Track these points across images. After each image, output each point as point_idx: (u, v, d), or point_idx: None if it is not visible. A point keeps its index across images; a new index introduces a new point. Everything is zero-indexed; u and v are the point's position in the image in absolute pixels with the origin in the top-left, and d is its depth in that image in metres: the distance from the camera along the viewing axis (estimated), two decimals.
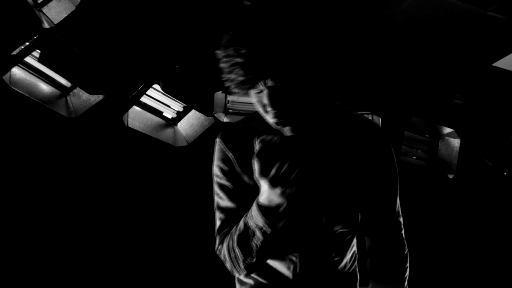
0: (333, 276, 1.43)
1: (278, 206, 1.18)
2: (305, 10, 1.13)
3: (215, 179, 1.38)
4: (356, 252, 1.52)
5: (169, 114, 3.99)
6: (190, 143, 3.84)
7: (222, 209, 1.37)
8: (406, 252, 1.50)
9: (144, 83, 3.57)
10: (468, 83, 3.69)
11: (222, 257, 1.34)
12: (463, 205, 4.13)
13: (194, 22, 3.29)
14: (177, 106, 3.97)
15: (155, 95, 3.89)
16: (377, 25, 3.22)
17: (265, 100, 1.16)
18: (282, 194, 1.15)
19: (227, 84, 1.15)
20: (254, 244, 1.23)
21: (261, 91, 1.15)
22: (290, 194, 1.15)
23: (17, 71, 3.42)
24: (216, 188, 1.38)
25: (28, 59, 3.48)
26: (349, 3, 3.11)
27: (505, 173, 4.00)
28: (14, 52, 3.20)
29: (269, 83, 1.12)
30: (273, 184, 1.13)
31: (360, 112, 1.66)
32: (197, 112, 3.86)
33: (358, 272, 1.53)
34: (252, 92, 1.17)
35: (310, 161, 1.25)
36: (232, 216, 1.33)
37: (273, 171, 1.12)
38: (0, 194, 3.41)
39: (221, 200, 1.37)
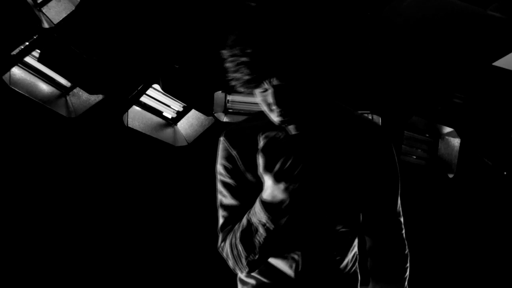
0: (335, 275, 1.44)
1: (281, 202, 1.19)
2: (308, 10, 1.15)
3: (219, 177, 1.39)
4: (357, 253, 1.52)
5: (169, 113, 3.99)
6: (190, 143, 3.84)
7: (225, 207, 1.38)
8: (406, 252, 1.50)
9: (144, 83, 3.57)
10: (468, 83, 3.69)
11: (224, 255, 1.35)
12: (463, 204, 4.13)
13: (194, 21, 3.29)
14: (177, 105, 3.97)
15: (155, 95, 3.89)
16: (376, 24, 3.22)
17: (270, 99, 1.17)
18: (286, 189, 1.16)
19: (233, 83, 1.17)
20: (257, 241, 1.24)
21: (266, 90, 1.17)
22: (294, 190, 1.17)
23: (16, 71, 3.42)
24: (220, 186, 1.39)
25: (27, 59, 3.47)
26: (349, 3, 3.11)
27: (505, 173, 4.00)
28: (14, 52, 3.20)
29: (274, 82, 1.14)
30: (277, 179, 1.14)
31: (360, 112, 1.67)
32: (197, 112, 3.86)
33: (359, 273, 1.53)
34: (257, 91, 1.19)
35: (314, 158, 1.26)
36: (235, 214, 1.34)
37: (277, 166, 1.13)
38: (0, 194, 3.41)
39: (224, 198, 1.38)
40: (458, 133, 3.99)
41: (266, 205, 1.20)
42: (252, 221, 1.24)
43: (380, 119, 3.84)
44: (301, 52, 1.12)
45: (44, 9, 3.25)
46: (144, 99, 3.83)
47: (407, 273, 1.52)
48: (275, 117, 1.21)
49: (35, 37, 3.15)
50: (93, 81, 3.32)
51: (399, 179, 1.44)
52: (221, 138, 1.40)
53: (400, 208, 1.48)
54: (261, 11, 1.14)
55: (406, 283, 1.53)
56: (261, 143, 1.15)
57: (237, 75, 1.14)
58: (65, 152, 3.55)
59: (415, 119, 3.96)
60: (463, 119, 3.90)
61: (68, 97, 3.63)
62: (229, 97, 3.90)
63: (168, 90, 3.57)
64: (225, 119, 3.84)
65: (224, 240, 1.35)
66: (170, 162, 3.79)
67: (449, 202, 4.13)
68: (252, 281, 1.47)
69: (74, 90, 3.63)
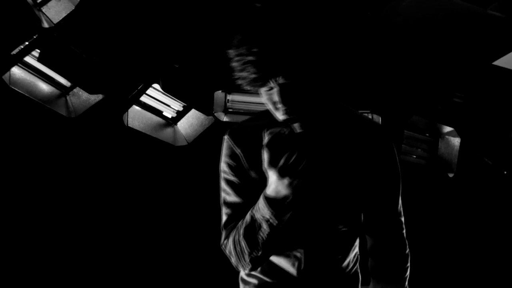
0: (337, 275, 1.45)
1: (285, 197, 1.20)
2: (312, 10, 1.18)
3: (222, 175, 1.40)
4: (358, 253, 1.53)
5: (169, 113, 3.99)
6: (190, 143, 3.84)
7: (228, 204, 1.38)
8: (407, 251, 1.51)
9: (144, 82, 3.57)
10: (468, 82, 3.69)
11: (227, 252, 1.35)
12: (463, 204, 4.13)
13: (194, 21, 3.29)
14: (177, 105, 3.97)
15: (155, 95, 3.89)
16: (376, 23, 3.22)
17: (276, 97, 1.19)
18: (290, 185, 1.17)
19: (239, 82, 1.19)
20: (260, 237, 1.25)
21: (272, 89, 1.19)
22: (297, 186, 1.18)
23: (16, 71, 3.42)
24: (223, 184, 1.40)
25: (27, 59, 3.47)
26: (349, 2, 3.11)
27: (505, 172, 4.00)
28: (14, 52, 3.19)
29: (280, 80, 1.15)
30: (281, 174, 1.16)
31: (360, 111, 1.68)
32: (197, 112, 3.86)
33: (359, 273, 1.54)
34: (262, 90, 1.21)
35: (317, 155, 1.27)
36: (239, 211, 1.35)
37: (281, 161, 1.15)
38: (0, 194, 3.41)
39: (228, 195, 1.38)
40: (458, 132, 4.00)
41: (270, 200, 1.21)
42: (256, 217, 1.25)
43: (380, 118, 3.84)
44: (307, 51, 1.14)
45: (44, 9, 3.25)
46: (144, 98, 3.83)
47: (408, 272, 1.53)
48: (280, 115, 1.23)
49: (35, 37, 3.15)
50: (93, 81, 3.32)
51: (400, 179, 1.45)
52: (225, 137, 1.41)
53: (401, 208, 1.49)
54: (267, 11, 1.16)
55: (406, 282, 1.54)
56: (265, 139, 1.17)
57: (244, 74, 1.16)
58: (65, 152, 3.55)
59: (415, 119, 3.96)
60: (463, 118, 3.90)
61: (68, 97, 3.63)
62: (229, 97, 3.91)
63: (168, 89, 3.57)
64: (225, 118, 3.85)
65: (227, 237, 1.35)
66: (170, 162, 3.79)
67: (449, 202, 4.13)
68: (254, 281, 1.48)
69: (74, 90, 3.63)
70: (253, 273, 1.48)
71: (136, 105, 3.80)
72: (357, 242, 1.50)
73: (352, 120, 1.37)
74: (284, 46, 1.12)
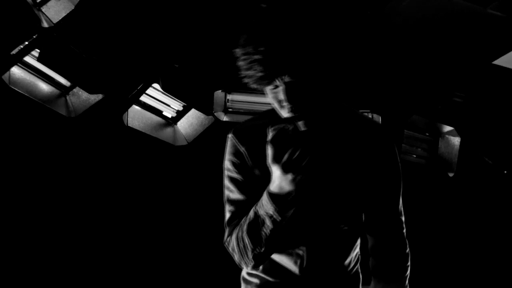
0: (338, 274, 1.46)
1: (288, 193, 1.21)
2: (316, 9, 1.19)
3: (226, 173, 1.41)
4: (359, 253, 1.53)
5: (168, 113, 3.99)
6: (190, 142, 3.84)
7: (232, 202, 1.39)
8: (407, 251, 1.52)
9: (144, 82, 3.57)
10: (468, 81, 3.69)
11: (230, 249, 1.36)
12: (463, 203, 4.13)
13: (194, 21, 3.29)
14: (177, 105, 3.97)
15: (154, 94, 3.89)
16: (376, 23, 3.22)
17: (282, 96, 1.21)
18: (293, 180, 1.18)
19: (246, 80, 1.21)
20: (263, 233, 1.26)
21: (277, 87, 1.21)
22: (300, 182, 1.19)
23: (16, 71, 3.41)
24: (227, 182, 1.41)
25: (27, 59, 3.46)
26: (349, 2, 3.11)
27: (505, 172, 4.00)
28: (14, 52, 3.19)
29: (286, 79, 1.17)
30: (285, 169, 1.17)
31: (360, 111, 1.69)
32: (196, 111, 3.86)
33: (360, 273, 1.54)
34: (268, 88, 1.23)
35: (321, 152, 1.29)
36: (242, 208, 1.36)
37: (285, 157, 1.16)
38: (0, 193, 3.41)
39: (231, 193, 1.39)
40: (458, 131, 4.00)
41: (273, 196, 1.22)
42: (259, 213, 1.25)
43: (380, 118, 3.84)
44: (312, 49, 1.16)
45: (44, 9, 3.25)
46: (144, 98, 3.83)
47: (408, 272, 1.54)
48: (285, 114, 1.24)
49: (34, 37, 3.15)
50: (93, 81, 3.32)
51: (401, 178, 1.46)
52: (230, 135, 1.42)
53: (402, 208, 1.49)
54: (273, 11, 1.18)
55: (407, 281, 1.54)
56: (270, 135, 1.18)
57: (250, 72, 1.18)
58: (65, 152, 3.54)
59: (415, 118, 3.96)
60: (463, 117, 3.90)
61: (68, 97, 3.63)
62: (229, 96, 3.90)
63: (168, 89, 3.57)
64: (225, 118, 3.84)
65: (230, 234, 1.36)
66: (170, 162, 3.79)
67: (449, 201, 4.13)
68: (256, 280, 1.48)
69: (74, 90, 3.63)
70: (255, 272, 1.48)
71: (136, 105, 3.79)
72: (358, 242, 1.51)
73: (354, 120, 1.39)
74: (290, 45, 1.13)
